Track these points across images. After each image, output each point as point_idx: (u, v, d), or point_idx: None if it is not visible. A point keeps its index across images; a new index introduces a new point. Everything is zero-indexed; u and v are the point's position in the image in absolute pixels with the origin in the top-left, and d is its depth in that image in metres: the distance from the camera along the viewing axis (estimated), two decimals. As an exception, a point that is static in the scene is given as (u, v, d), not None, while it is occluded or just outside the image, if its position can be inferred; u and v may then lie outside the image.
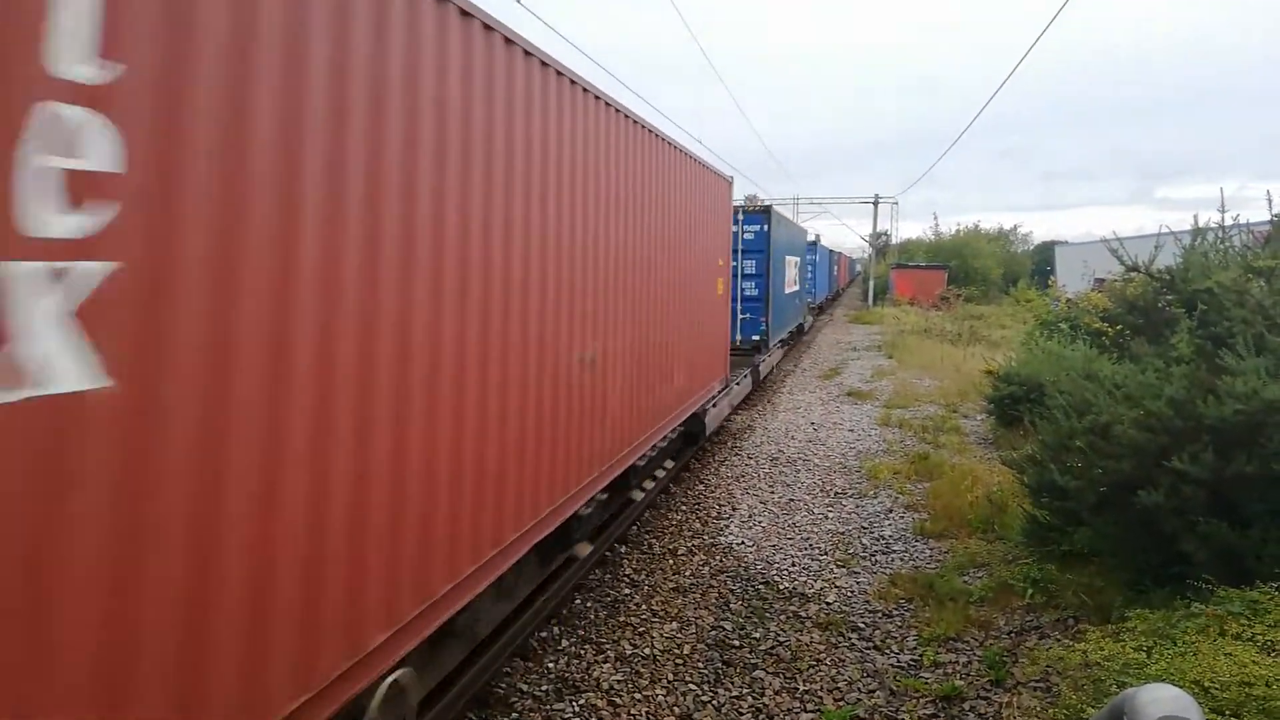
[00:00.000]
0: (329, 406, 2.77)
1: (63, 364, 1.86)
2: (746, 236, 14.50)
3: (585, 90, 5.32)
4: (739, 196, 14.51)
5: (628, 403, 6.43)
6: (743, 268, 14.46)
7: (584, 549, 6.04)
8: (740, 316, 14.41)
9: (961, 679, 5.05)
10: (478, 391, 3.91)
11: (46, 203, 1.83)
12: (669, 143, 7.49)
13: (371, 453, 3.03)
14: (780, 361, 18.33)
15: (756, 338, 14.69)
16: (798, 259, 20.35)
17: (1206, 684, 3.15)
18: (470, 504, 3.88)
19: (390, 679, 3.23)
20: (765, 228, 14.59)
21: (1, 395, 1.75)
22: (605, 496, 6.22)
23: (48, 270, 1.84)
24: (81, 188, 1.90)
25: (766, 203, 14.99)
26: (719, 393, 10.48)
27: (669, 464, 8.83)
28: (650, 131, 6.86)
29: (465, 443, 3.79)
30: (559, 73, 4.86)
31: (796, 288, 20.11)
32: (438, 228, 3.46)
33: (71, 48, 1.86)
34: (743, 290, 14.48)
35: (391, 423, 3.16)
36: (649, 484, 8.04)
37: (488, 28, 3.87)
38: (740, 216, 14.24)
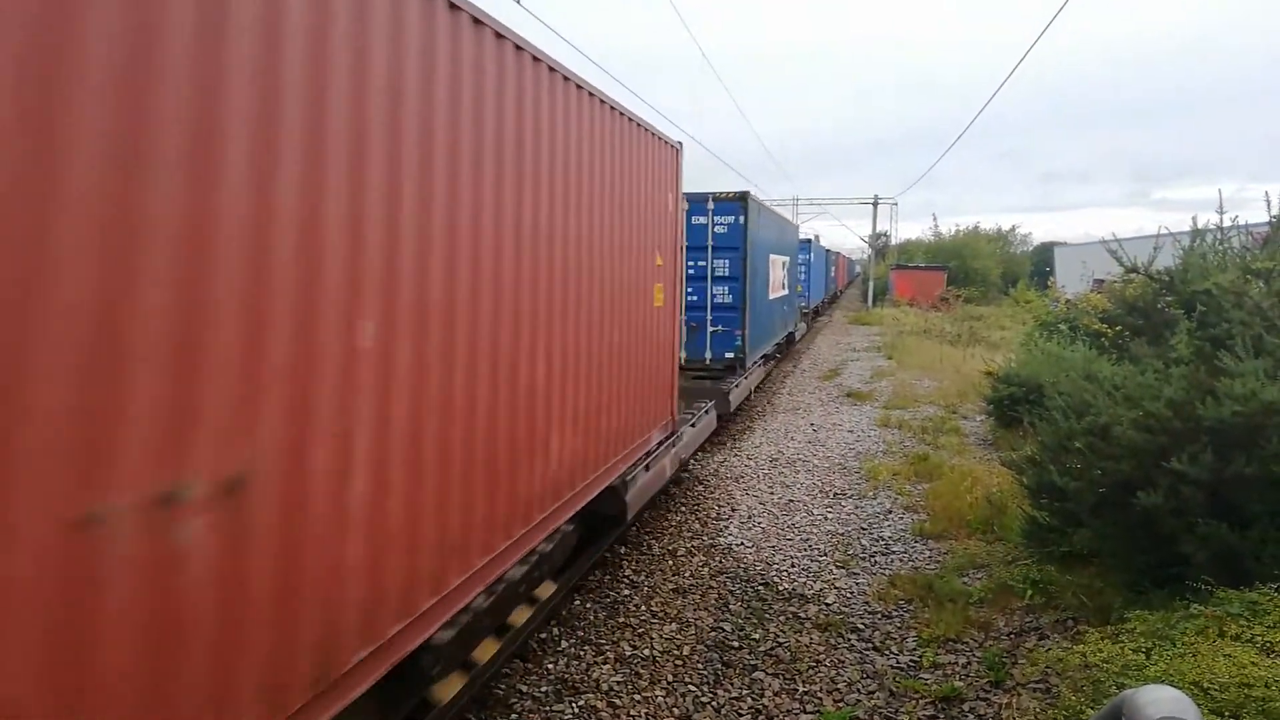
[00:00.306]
0: None
1: None
2: (718, 230, 12.02)
3: None
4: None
5: (427, 516, 3.58)
6: (714, 268, 12.04)
7: None
8: (710, 329, 12.18)
9: (961, 680, 5.05)
10: None
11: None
12: (557, 70, 4.90)
13: None
14: (763, 381, 15.92)
15: (731, 355, 12.26)
16: (786, 258, 17.83)
17: (1205, 685, 3.15)
18: None
19: None
20: (742, 220, 12.02)
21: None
22: None
23: None
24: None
25: (743, 189, 12.41)
26: (661, 445, 7.67)
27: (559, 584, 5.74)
28: (517, 47, 4.34)
29: None
30: None
31: (785, 292, 17.66)
32: None
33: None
34: (714, 297, 12.14)
35: None
36: (492, 644, 4.68)
37: None
38: (711, 206, 11.95)
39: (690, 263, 11.35)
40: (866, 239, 53.77)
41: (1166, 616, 4.11)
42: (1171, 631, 3.88)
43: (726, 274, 12.19)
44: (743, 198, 12.14)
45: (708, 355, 12.27)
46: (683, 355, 10.74)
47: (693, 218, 11.60)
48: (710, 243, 12.02)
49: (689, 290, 11.80)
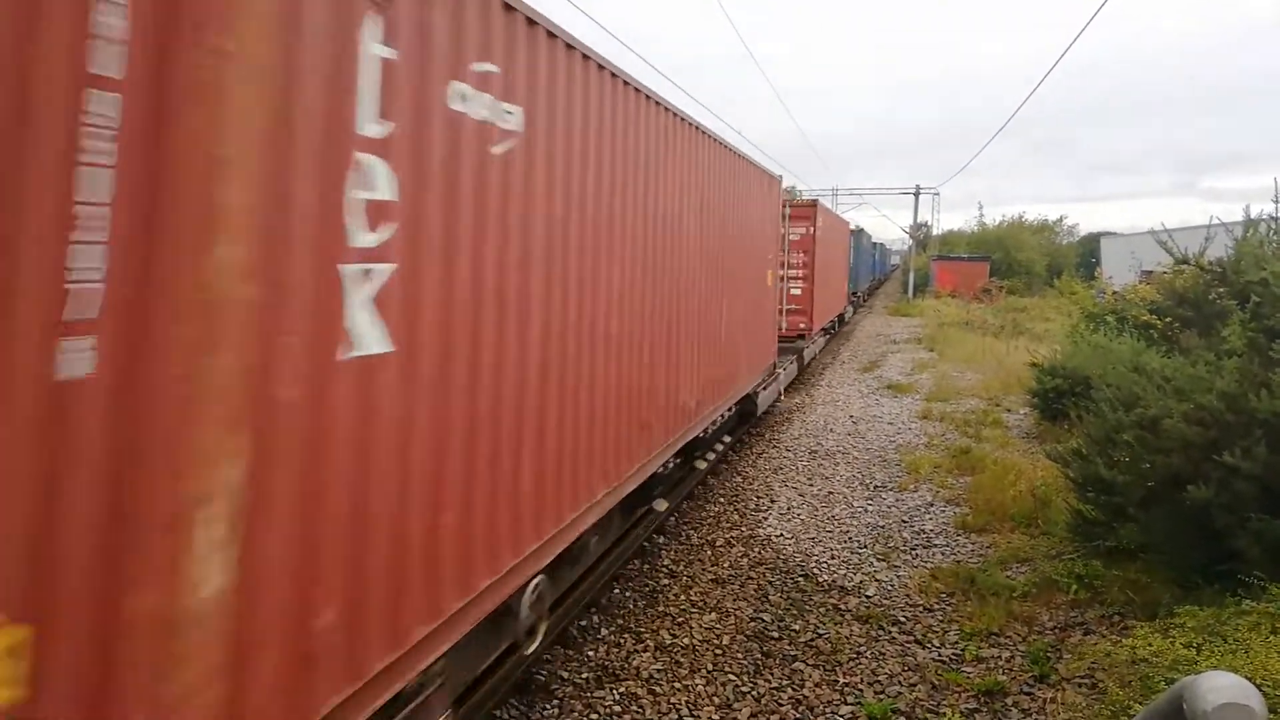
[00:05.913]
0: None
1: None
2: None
3: None
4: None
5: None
6: None
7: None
8: None
9: (1004, 674, 5.00)
10: None
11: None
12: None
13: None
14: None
15: None
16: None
17: (1258, 681, 3.10)
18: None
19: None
20: None
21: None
22: None
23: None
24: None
25: None
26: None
27: None
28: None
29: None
30: None
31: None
32: None
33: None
34: None
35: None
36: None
37: None
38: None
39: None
40: (908, 229, 53.09)
41: (1217, 612, 4.04)
42: (1223, 627, 3.82)
43: None
44: None
45: None
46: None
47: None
48: None
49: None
